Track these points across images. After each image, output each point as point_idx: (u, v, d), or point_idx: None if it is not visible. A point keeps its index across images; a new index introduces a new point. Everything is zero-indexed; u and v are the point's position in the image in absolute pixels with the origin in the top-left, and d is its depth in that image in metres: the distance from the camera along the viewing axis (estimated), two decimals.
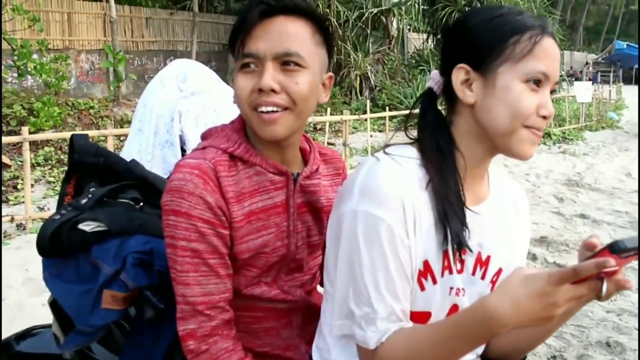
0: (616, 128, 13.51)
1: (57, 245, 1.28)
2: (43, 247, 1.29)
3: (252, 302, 1.21)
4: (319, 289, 1.35)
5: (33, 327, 2.01)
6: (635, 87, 28.21)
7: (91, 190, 1.38)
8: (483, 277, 1.13)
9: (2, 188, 6.21)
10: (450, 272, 1.08)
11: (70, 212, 1.31)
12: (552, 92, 1.06)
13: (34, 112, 8.00)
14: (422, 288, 1.06)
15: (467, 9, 13.70)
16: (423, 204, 1.03)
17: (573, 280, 0.83)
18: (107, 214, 1.30)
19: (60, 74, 8.81)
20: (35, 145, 7.05)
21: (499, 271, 1.16)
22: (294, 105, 1.12)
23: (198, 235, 1.09)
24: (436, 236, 1.04)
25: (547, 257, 4.56)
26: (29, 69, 8.15)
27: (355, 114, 9.53)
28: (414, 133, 1.14)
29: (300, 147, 1.28)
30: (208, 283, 1.11)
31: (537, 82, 1.02)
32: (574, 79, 22.55)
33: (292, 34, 1.11)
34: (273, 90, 1.09)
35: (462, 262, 1.10)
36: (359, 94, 12.98)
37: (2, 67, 8.12)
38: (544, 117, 1.03)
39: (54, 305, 1.64)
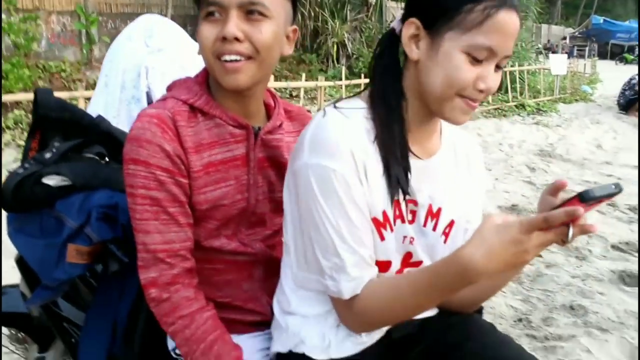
0: (589, 101, 13.64)
1: (21, 199, 1.27)
2: (6, 201, 1.28)
3: (212, 254, 1.22)
4: None
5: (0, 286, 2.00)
6: (610, 62, 28.56)
7: (56, 144, 1.37)
8: (434, 229, 1.16)
9: None
10: (403, 221, 1.11)
11: (34, 166, 1.30)
12: (498, 67, 1.04)
13: (3, 74, 7.81)
14: (382, 238, 1.08)
15: None
16: (372, 155, 1.04)
17: (543, 227, 0.86)
18: (72, 169, 1.30)
19: (30, 34, 8.57)
20: (4, 109, 6.89)
21: (451, 223, 1.18)
22: (257, 54, 1.11)
23: (157, 183, 1.10)
24: (386, 186, 1.06)
25: None
26: None
27: (331, 81, 9.49)
28: None
29: (265, 103, 1.28)
30: (168, 231, 1.12)
31: (477, 59, 1.01)
32: (550, 52, 22.70)
33: None
34: (237, 39, 1.09)
35: (413, 212, 1.12)
36: (335, 62, 12.88)
37: None
38: (481, 91, 1.03)
39: (20, 262, 1.64)
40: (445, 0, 1.01)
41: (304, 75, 7.65)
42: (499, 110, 11.08)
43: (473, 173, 1.24)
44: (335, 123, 1.04)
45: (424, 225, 1.15)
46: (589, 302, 3.29)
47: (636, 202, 5.37)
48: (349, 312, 1.06)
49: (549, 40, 32.68)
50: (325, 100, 7.78)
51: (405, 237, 1.12)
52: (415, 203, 1.12)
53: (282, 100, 1.35)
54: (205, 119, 1.17)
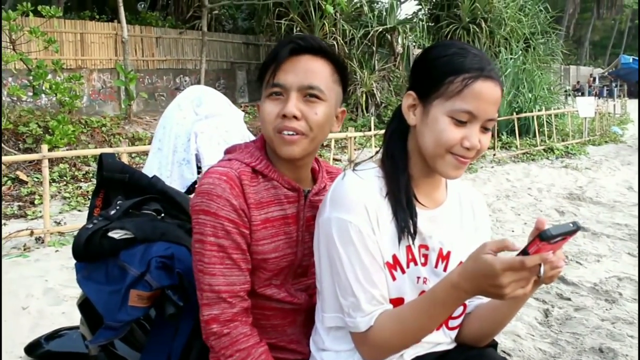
0: (619, 142, 13.54)
1: (90, 250, 1.46)
2: (78, 252, 1.47)
3: (263, 301, 1.38)
4: None
5: (60, 328, 2.19)
6: None
7: (118, 202, 1.56)
8: (445, 269, 1.33)
9: (20, 204, 6.42)
10: (415, 264, 1.28)
11: (101, 221, 1.49)
12: (485, 129, 1.22)
13: (49, 130, 8.24)
14: (394, 278, 1.26)
15: (471, 26, 13.83)
16: (383, 208, 1.24)
17: (519, 269, 1.01)
18: (133, 223, 1.49)
19: (74, 92, 9.03)
20: (50, 163, 7.26)
21: (460, 264, 1.33)
22: (311, 131, 1.32)
23: (224, 232, 1.28)
24: (396, 233, 1.24)
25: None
26: (44, 88, 8.38)
27: (361, 131, 9.70)
28: None
29: (311, 167, 1.47)
30: (231, 275, 1.29)
31: (462, 119, 1.19)
32: (579, 94, 22.63)
33: (316, 70, 1.32)
34: (295, 117, 1.29)
35: (425, 256, 1.30)
36: (364, 111, 13.14)
37: (19, 87, 8.38)
38: (468, 149, 1.21)
39: (82, 306, 1.82)
40: (434, 74, 1.22)
41: None
42: (527, 155, 11.10)
43: (477, 219, 1.42)
44: (352, 183, 1.24)
45: (436, 267, 1.32)
46: (619, 345, 3.30)
47: None
48: (365, 344, 1.23)
49: (578, 82, 32.56)
50: (355, 149, 7.98)
51: (419, 277, 1.29)
52: (427, 247, 1.30)
53: (324, 163, 1.54)
54: (265, 181, 1.36)
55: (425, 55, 1.28)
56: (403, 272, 1.27)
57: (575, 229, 1.01)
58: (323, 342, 1.33)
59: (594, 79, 35.41)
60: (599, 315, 3.76)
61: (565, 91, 16.85)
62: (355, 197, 1.21)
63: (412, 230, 1.25)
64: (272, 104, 1.33)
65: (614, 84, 32.05)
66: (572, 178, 9.23)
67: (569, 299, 4.05)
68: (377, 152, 1.36)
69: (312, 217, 1.41)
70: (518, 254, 1.03)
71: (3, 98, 8.96)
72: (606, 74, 36.63)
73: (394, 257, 1.25)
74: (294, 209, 1.39)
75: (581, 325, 3.60)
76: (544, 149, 11.47)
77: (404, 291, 1.27)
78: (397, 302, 1.26)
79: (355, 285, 1.20)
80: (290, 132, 1.31)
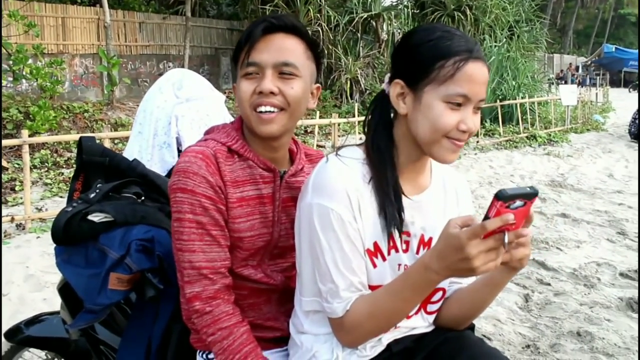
0: (601, 130, 13.70)
1: (69, 234, 1.45)
2: (57, 235, 1.46)
3: (240, 281, 1.39)
4: None
5: (40, 313, 2.19)
6: (623, 90, 28.53)
7: (98, 186, 1.56)
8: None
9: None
10: (397, 251, 1.28)
11: (81, 205, 1.49)
12: (476, 109, 1.22)
13: (30, 116, 8.14)
14: (374, 265, 1.26)
15: (456, 13, 13.84)
16: (366, 195, 1.23)
17: (483, 234, 1.01)
18: (113, 207, 1.49)
19: (55, 78, 8.92)
20: (31, 148, 7.18)
21: None
22: (288, 106, 1.32)
23: (202, 209, 1.28)
24: (381, 222, 1.24)
25: None
26: (25, 74, 8.26)
27: (345, 117, 9.71)
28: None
29: (289, 149, 1.47)
30: (211, 251, 1.30)
31: (457, 103, 1.18)
32: (563, 82, 22.82)
33: (289, 48, 1.33)
34: (272, 93, 1.30)
35: (407, 242, 1.30)
36: (349, 98, 13.14)
37: None
38: (464, 131, 1.20)
39: (62, 290, 1.82)
40: (422, 60, 1.20)
41: (318, 112, 7.87)
42: (510, 142, 11.20)
43: (461, 205, 1.41)
44: (335, 169, 1.23)
45: (417, 253, 1.32)
46: (596, 329, 3.37)
47: None
48: (342, 329, 1.23)
49: (562, 70, 32.81)
50: (339, 136, 7.99)
51: (399, 264, 1.29)
52: (408, 234, 1.30)
53: (302, 145, 1.55)
54: (240, 160, 1.37)
55: (407, 41, 1.24)
56: (384, 259, 1.27)
57: (534, 192, 1.01)
58: (302, 324, 1.34)
59: (577, 68, 35.68)
60: (578, 299, 3.84)
61: (549, 79, 16.97)
62: (338, 184, 1.20)
63: (400, 224, 1.25)
64: (248, 83, 1.33)
65: (594, 73, 32.36)
66: (554, 165, 9.35)
67: (549, 284, 4.12)
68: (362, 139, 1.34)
69: (289, 198, 1.42)
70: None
71: None
72: (589, 62, 36.91)
73: (375, 244, 1.25)
74: (270, 189, 1.39)
75: (560, 309, 3.67)
76: (526, 137, 11.57)
77: (385, 278, 1.26)
78: (377, 288, 1.26)
79: (334, 272, 1.20)
80: (268, 109, 1.31)
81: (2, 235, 4.93)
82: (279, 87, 1.31)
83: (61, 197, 6.30)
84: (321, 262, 1.21)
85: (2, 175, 6.74)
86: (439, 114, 1.18)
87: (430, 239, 1.33)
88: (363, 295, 1.22)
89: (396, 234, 1.25)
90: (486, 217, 1.02)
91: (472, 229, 1.02)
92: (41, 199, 6.20)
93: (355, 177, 1.23)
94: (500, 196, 0.99)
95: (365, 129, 1.32)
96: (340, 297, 1.21)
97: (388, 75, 1.31)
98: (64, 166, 7.54)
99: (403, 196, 1.27)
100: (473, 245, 1.02)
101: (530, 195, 1.01)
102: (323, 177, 1.22)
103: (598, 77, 27.74)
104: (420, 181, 1.34)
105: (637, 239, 5.25)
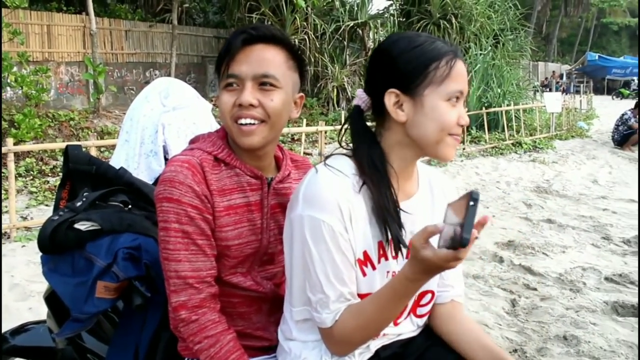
0: (585, 137, 13.83)
1: (56, 242, 1.44)
2: (43, 244, 1.45)
3: (229, 289, 1.39)
4: None
5: (26, 323, 2.16)
6: (606, 97, 28.90)
7: (85, 194, 1.55)
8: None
9: None
10: (386, 259, 1.30)
11: (67, 213, 1.48)
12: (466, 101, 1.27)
13: (15, 124, 8.07)
14: (364, 274, 1.27)
15: (441, 21, 13.95)
16: (357, 205, 1.23)
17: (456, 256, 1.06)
18: (100, 215, 1.48)
19: (41, 86, 8.86)
20: (16, 157, 7.11)
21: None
22: (269, 118, 1.32)
23: (188, 219, 1.28)
24: (371, 230, 1.25)
25: (513, 259, 4.78)
26: (10, 81, 8.20)
27: (331, 125, 9.73)
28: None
29: (274, 155, 1.48)
30: (197, 260, 1.30)
31: (456, 99, 1.23)
32: (547, 90, 23.06)
33: (269, 59, 1.33)
34: (252, 105, 1.30)
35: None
36: (336, 105, 13.18)
37: None
38: (462, 125, 1.25)
39: (49, 299, 1.80)
40: (416, 65, 1.22)
41: (304, 120, 7.88)
42: (496, 149, 11.28)
43: None
44: (326, 180, 1.23)
45: (406, 258, 1.31)
46: (582, 332, 3.40)
47: (630, 236, 5.51)
48: (332, 339, 1.25)
49: (546, 78, 33.13)
50: (326, 144, 8.01)
51: (388, 271, 1.31)
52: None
53: (288, 151, 1.55)
54: (227, 169, 1.37)
55: (389, 51, 1.25)
56: (374, 268, 1.28)
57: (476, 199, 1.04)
58: (291, 332, 1.35)
59: (561, 76, 36.05)
60: (564, 304, 3.88)
61: (534, 87, 17.13)
62: (329, 196, 1.20)
63: (401, 238, 1.26)
64: (229, 95, 1.33)
65: (576, 80, 32.74)
66: (539, 172, 9.42)
67: (535, 289, 4.15)
68: (352, 154, 1.32)
69: (277, 204, 1.43)
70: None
71: None
72: (573, 70, 37.32)
73: (365, 253, 1.26)
74: (258, 197, 1.40)
75: (547, 314, 3.70)
76: (512, 143, 11.66)
77: (374, 286, 1.28)
78: (366, 297, 1.28)
79: (325, 283, 1.21)
80: (249, 121, 1.31)
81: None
82: (259, 99, 1.31)
83: (47, 205, 6.25)
84: (312, 273, 1.22)
85: None
86: (443, 112, 1.22)
87: None
88: (351, 306, 1.23)
89: (385, 244, 1.27)
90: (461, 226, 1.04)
91: (447, 255, 1.06)
92: (26, 208, 6.13)
93: (346, 187, 1.23)
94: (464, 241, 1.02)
95: (355, 144, 1.31)
96: (329, 308, 1.22)
97: (360, 90, 1.33)
98: (50, 174, 7.48)
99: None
100: (450, 264, 1.08)
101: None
102: (314, 188, 1.23)
103: (582, 85, 28.04)
104: (409, 187, 1.35)
105: (621, 244, 5.32)
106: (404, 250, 1.30)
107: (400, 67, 1.24)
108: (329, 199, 1.20)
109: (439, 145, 1.25)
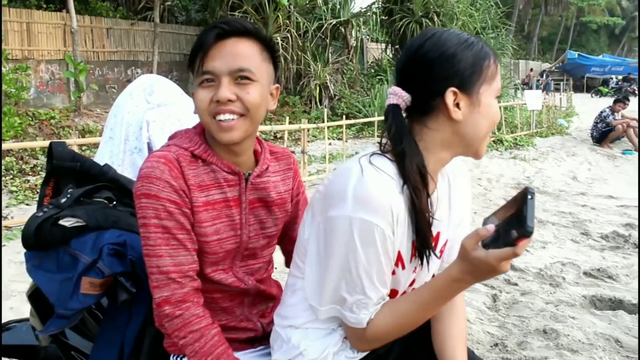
0: (565, 134, 13.96)
1: (40, 239, 1.45)
2: (27, 241, 1.46)
3: (211, 285, 1.40)
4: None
5: (8, 321, 2.15)
6: (585, 95, 29.26)
7: (69, 191, 1.55)
8: (434, 249, 1.34)
9: None
10: (415, 257, 1.29)
11: (52, 209, 1.48)
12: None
13: None
14: (394, 273, 1.27)
15: (423, 20, 13.99)
16: (401, 206, 1.20)
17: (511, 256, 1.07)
18: (85, 211, 1.49)
19: (20, 84, 8.77)
20: None
21: (446, 242, 1.39)
22: (247, 111, 1.33)
23: (167, 214, 1.29)
24: (407, 231, 1.23)
25: None
26: None
27: (314, 123, 9.74)
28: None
29: (254, 150, 1.48)
30: (178, 255, 1.31)
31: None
32: (528, 87, 23.27)
33: (243, 52, 1.32)
34: (230, 100, 1.30)
35: None
36: (318, 103, 13.20)
37: None
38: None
39: (32, 297, 1.80)
40: (473, 63, 1.22)
41: (287, 118, 7.89)
42: None
43: (465, 197, 1.44)
44: (376, 181, 1.17)
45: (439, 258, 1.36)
46: (561, 326, 3.46)
47: (608, 231, 5.61)
48: (363, 338, 1.25)
49: (527, 76, 33.43)
50: (308, 141, 8.01)
51: (415, 267, 1.31)
52: None
53: (266, 144, 1.55)
54: (204, 165, 1.37)
55: (444, 49, 1.21)
56: (404, 267, 1.28)
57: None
58: (296, 319, 1.34)
59: (541, 73, 36.41)
60: (544, 298, 3.94)
61: (515, 85, 17.28)
62: (383, 199, 1.15)
63: (430, 246, 1.26)
64: (205, 91, 1.32)
65: (550, 79, 33.11)
66: (520, 169, 9.51)
67: (516, 284, 4.21)
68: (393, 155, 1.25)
69: (256, 199, 1.43)
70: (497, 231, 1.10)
71: None
72: (553, 68, 37.70)
73: (399, 254, 1.25)
74: (236, 192, 1.40)
75: (527, 308, 3.75)
76: (493, 141, 11.72)
77: (399, 283, 1.29)
78: (391, 293, 1.29)
79: (368, 285, 1.20)
80: (228, 117, 1.31)
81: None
82: (236, 93, 1.31)
83: (27, 204, 6.19)
84: (354, 274, 1.19)
85: None
86: (495, 110, 1.27)
87: (438, 234, 1.35)
88: (384, 305, 1.24)
89: (418, 245, 1.26)
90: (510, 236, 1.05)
91: (501, 254, 1.07)
92: (7, 207, 6.07)
93: (394, 190, 1.19)
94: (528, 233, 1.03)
95: (395, 145, 1.24)
96: (368, 310, 1.22)
97: (398, 88, 1.26)
98: (30, 173, 7.41)
99: None
100: (503, 265, 1.09)
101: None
102: (365, 190, 1.16)
103: (562, 83, 28.33)
104: (432, 182, 1.32)
105: (599, 240, 5.42)
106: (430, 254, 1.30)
107: (460, 65, 1.21)
108: (382, 202, 1.15)
109: (482, 143, 1.27)
